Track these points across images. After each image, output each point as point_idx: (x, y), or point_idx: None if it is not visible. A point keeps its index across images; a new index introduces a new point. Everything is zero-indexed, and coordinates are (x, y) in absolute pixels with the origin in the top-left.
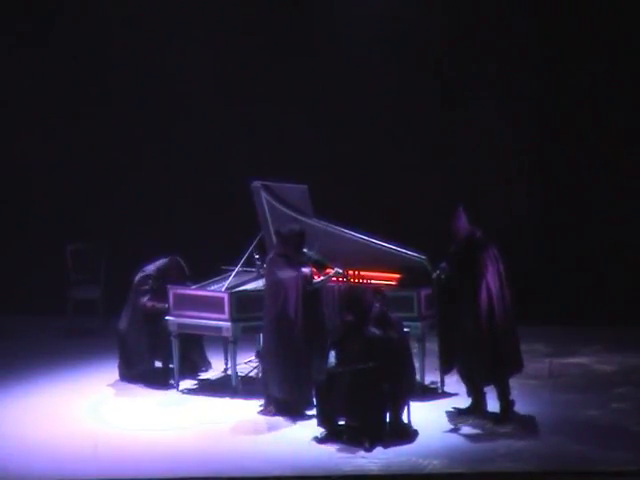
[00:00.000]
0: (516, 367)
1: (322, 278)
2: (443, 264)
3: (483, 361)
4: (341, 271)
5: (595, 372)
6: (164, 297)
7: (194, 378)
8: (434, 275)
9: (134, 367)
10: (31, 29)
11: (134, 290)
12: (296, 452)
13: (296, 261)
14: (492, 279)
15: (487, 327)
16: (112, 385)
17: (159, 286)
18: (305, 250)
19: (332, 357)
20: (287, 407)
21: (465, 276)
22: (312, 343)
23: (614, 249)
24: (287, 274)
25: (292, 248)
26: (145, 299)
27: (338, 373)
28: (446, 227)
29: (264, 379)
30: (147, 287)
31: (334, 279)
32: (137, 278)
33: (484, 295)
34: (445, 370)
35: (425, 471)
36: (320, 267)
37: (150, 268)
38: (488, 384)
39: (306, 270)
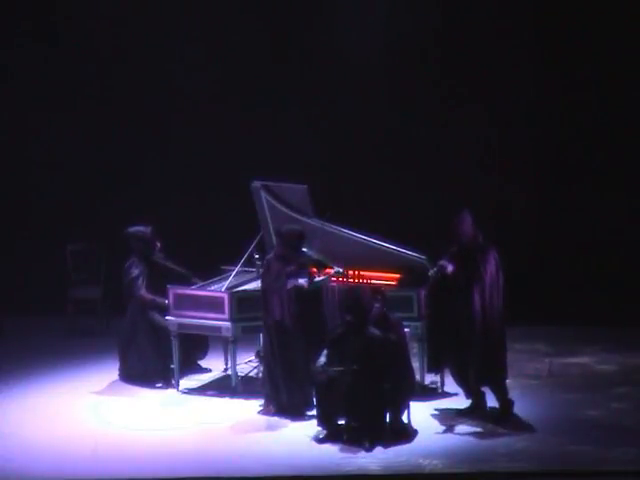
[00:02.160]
0: (503, 373)
1: (322, 278)
2: (442, 262)
3: (476, 363)
4: (341, 271)
5: (595, 372)
6: (163, 290)
7: (194, 378)
8: (431, 272)
9: (138, 362)
10: (32, 30)
11: (126, 284)
12: (296, 452)
13: (295, 263)
14: (489, 283)
15: (481, 329)
16: (112, 385)
17: (147, 267)
18: (305, 250)
19: (323, 356)
20: (287, 409)
21: (464, 277)
22: (311, 344)
23: (614, 249)
24: (281, 281)
25: (291, 249)
26: (141, 289)
27: (338, 373)
28: (448, 227)
29: (263, 380)
30: (135, 273)
31: (334, 279)
32: (124, 271)
33: (479, 298)
34: (431, 370)
35: (425, 471)
36: (320, 267)
37: (131, 259)
38: (481, 385)
39: (302, 281)
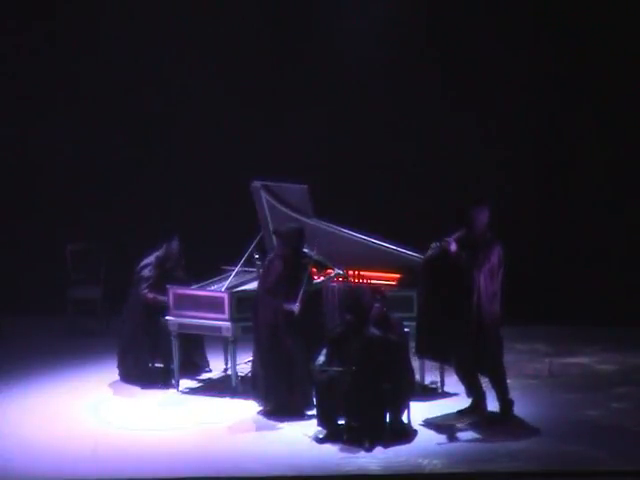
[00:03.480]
0: (496, 362)
1: (322, 279)
2: (447, 238)
3: (469, 349)
4: (342, 272)
5: (595, 372)
6: (165, 291)
7: (194, 378)
8: (433, 245)
9: (134, 367)
10: (33, 29)
11: (135, 280)
12: (296, 452)
13: (294, 263)
14: (489, 272)
15: (476, 317)
16: (112, 385)
17: (159, 274)
18: (306, 250)
19: (322, 355)
20: (282, 409)
21: (466, 259)
22: (311, 344)
23: (614, 249)
24: (279, 281)
25: (292, 248)
26: (145, 289)
27: (338, 373)
28: (464, 210)
29: (254, 382)
30: (147, 274)
31: (335, 279)
32: (137, 268)
33: (477, 285)
34: (418, 354)
35: (425, 471)
36: (321, 267)
37: (150, 258)
38: (474, 372)
39: (294, 307)
